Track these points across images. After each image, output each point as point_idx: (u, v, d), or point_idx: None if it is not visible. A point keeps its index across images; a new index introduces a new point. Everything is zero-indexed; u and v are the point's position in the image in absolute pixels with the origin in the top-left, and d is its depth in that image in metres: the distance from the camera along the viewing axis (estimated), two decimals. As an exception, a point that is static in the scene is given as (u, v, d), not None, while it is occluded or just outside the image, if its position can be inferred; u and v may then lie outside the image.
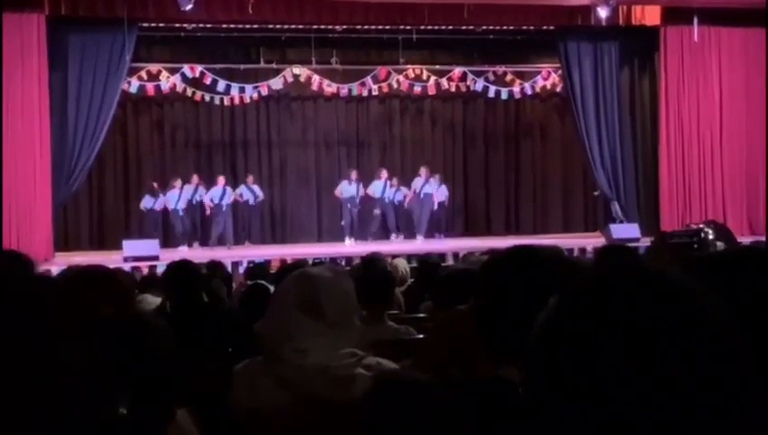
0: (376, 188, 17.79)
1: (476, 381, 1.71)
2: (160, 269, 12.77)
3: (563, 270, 1.67)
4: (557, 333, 0.89)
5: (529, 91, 18.90)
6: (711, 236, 11.95)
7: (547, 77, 18.69)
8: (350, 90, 18.12)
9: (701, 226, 13.50)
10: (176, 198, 16.97)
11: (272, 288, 4.93)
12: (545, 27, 16.93)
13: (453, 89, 18.77)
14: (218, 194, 17.08)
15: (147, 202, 17.10)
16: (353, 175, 17.61)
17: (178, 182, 17.11)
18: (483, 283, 1.78)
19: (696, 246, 11.11)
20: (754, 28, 16.38)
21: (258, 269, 9.01)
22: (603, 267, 0.93)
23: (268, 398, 2.44)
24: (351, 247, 16.29)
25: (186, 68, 17.02)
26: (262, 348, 2.56)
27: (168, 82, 17.04)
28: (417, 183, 17.84)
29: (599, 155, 17.01)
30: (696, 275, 1.21)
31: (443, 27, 16.83)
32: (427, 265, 7.28)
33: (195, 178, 17.30)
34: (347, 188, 17.46)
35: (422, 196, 17.65)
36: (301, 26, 16.51)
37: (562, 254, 1.83)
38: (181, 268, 4.84)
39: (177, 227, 16.90)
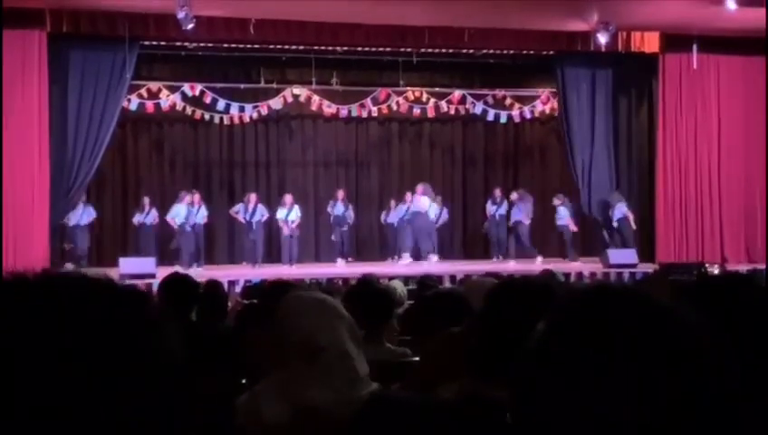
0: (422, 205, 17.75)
1: (466, 401, 1.71)
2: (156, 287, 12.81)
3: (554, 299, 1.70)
4: (544, 355, 0.89)
5: (528, 115, 18.98)
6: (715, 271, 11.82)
7: (546, 101, 18.76)
8: (349, 111, 18.18)
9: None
10: (184, 213, 16.78)
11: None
12: (545, 52, 17.01)
13: (452, 111, 18.84)
14: (249, 211, 17.05)
15: (137, 217, 17.05)
16: (340, 195, 17.62)
17: (187, 197, 16.90)
18: (484, 311, 1.80)
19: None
20: (754, 56, 16.47)
21: (255, 289, 8.99)
22: (589, 290, 0.94)
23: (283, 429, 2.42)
24: (348, 268, 16.27)
25: (186, 86, 17.06)
26: (274, 379, 2.54)
27: (167, 100, 17.07)
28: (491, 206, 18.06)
29: (587, 179, 17.08)
30: (688, 300, 1.22)
31: (443, 50, 16.91)
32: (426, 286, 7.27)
33: (196, 197, 17.18)
34: (337, 208, 17.49)
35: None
36: (301, 47, 16.57)
37: (558, 287, 1.85)
38: (176, 283, 4.82)
39: (184, 246, 16.75)
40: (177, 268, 15.32)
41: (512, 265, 16.50)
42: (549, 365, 0.88)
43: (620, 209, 17.27)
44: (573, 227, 17.70)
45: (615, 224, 17.28)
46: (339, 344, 2.41)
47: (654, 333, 0.87)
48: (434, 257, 17.01)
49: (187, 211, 16.74)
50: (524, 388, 0.90)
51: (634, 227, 17.12)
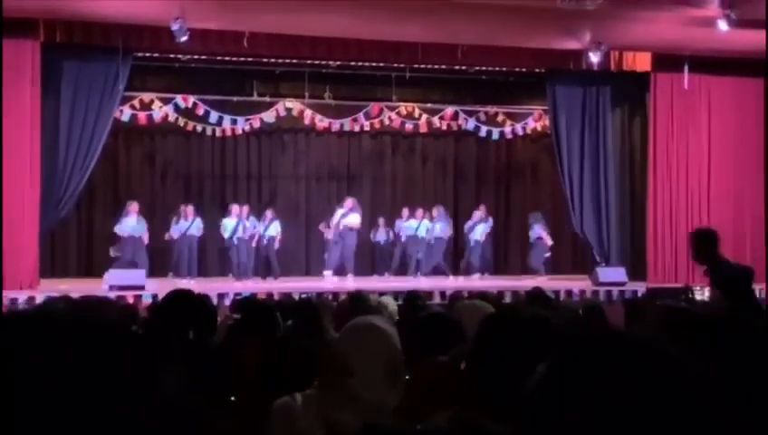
0: (409, 228, 17.81)
1: (461, 430, 1.71)
2: (146, 299, 12.76)
3: (549, 335, 1.72)
4: (546, 402, 0.90)
5: (520, 132, 19.05)
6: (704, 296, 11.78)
7: (538, 119, 18.84)
8: (342, 125, 18.22)
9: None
10: (233, 226, 16.69)
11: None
12: (537, 70, 17.08)
13: (444, 127, 18.89)
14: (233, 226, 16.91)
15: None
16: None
17: (235, 209, 16.86)
18: (478, 343, 1.82)
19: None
20: (744, 78, 16.58)
21: (244, 302, 8.97)
22: (588, 336, 0.95)
23: None
24: (337, 283, 16.23)
25: (179, 98, 17.06)
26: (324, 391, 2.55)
27: (160, 111, 17.06)
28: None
29: (579, 199, 17.13)
30: (679, 338, 1.23)
31: (436, 66, 16.96)
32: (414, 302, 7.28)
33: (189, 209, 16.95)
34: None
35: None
36: (295, 61, 16.60)
37: (549, 319, 1.86)
38: (178, 299, 4.78)
39: (234, 259, 16.68)
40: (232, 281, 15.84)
41: (501, 282, 16.53)
42: (551, 411, 0.89)
43: (536, 230, 17.52)
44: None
45: (532, 243, 17.85)
46: (367, 373, 2.43)
47: (656, 385, 0.87)
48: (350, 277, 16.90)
49: (237, 224, 16.69)
50: (529, 428, 0.91)
51: (550, 243, 17.81)
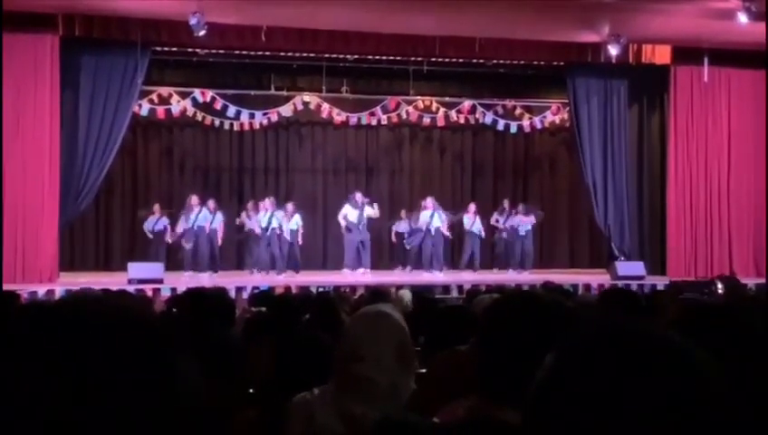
0: (423, 219, 17.67)
1: (474, 422, 1.71)
2: (164, 293, 12.83)
3: (563, 320, 1.70)
4: (554, 392, 0.89)
5: (538, 126, 18.97)
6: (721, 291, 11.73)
7: (557, 112, 18.75)
8: (359, 119, 18.20)
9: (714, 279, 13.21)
10: (265, 220, 16.68)
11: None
12: (556, 63, 17.00)
13: (462, 121, 18.85)
14: (267, 218, 16.90)
15: (149, 224, 16.97)
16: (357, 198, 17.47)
17: (265, 203, 16.87)
18: (486, 326, 1.80)
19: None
20: (764, 70, 16.43)
21: (262, 295, 9.00)
22: (600, 326, 0.93)
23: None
24: (355, 277, 16.21)
25: (197, 92, 17.10)
26: (339, 383, 2.56)
27: (178, 105, 17.11)
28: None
29: (602, 192, 17.03)
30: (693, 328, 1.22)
31: (454, 60, 16.90)
32: (423, 300, 7.25)
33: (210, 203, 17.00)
34: (351, 213, 17.38)
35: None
36: (312, 55, 16.60)
37: (563, 303, 1.84)
38: (195, 295, 4.79)
39: (266, 253, 16.65)
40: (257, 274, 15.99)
41: (517, 276, 16.51)
42: (560, 402, 0.88)
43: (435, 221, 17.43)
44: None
45: (433, 233, 17.39)
46: (379, 357, 2.44)
47: (667, 379, 0.86)
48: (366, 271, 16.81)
49: (270, 217, 16.73)
50: (535, 421, 0.91)
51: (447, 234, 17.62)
